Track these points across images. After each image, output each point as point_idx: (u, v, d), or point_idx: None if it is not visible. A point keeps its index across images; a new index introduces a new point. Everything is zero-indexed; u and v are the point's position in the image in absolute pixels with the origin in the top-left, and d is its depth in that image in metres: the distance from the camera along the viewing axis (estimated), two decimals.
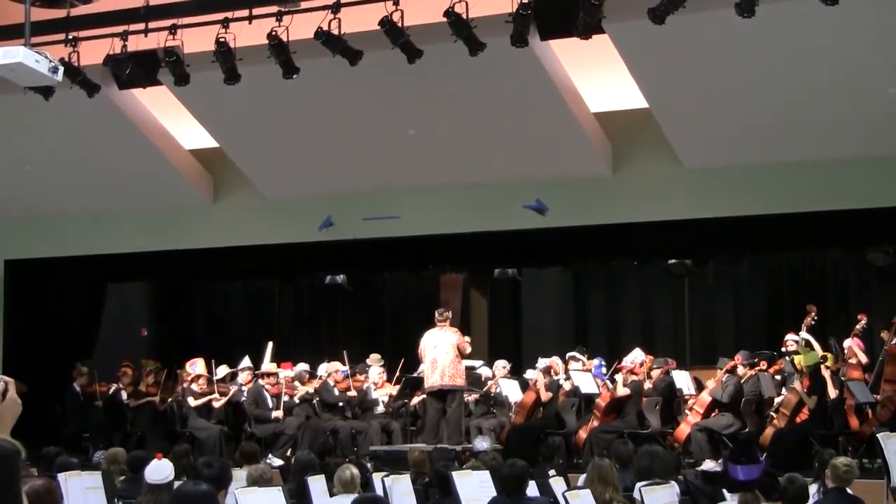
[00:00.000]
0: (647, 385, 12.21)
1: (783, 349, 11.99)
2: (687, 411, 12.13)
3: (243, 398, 13.09)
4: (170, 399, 13.60)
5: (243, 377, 13.34)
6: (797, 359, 11.35)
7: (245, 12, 10.03)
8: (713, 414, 11.75)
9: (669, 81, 10.85)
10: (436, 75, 10.65)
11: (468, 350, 12.08)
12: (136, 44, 10.38)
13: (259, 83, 10.69)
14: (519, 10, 9.19)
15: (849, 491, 6.52)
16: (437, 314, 12.11)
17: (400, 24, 9.43)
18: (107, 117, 12.06)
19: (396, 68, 10.05)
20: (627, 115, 12.01)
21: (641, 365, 12.38)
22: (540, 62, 10.62)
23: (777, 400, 11.62)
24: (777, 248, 13.39)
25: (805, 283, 14.79)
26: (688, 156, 11.83)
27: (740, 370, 11.77)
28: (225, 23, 9.91)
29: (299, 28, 9.72)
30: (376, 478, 7.53)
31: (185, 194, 13.62)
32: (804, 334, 11.52)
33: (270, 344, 13.96)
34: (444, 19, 9.27)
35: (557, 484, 7.27)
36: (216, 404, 13.02)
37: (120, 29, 10.33)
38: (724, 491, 6.01)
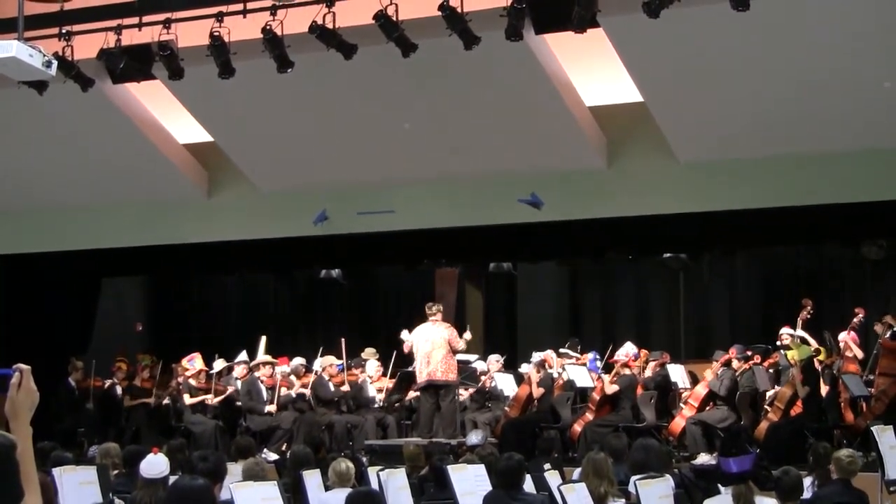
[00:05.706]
0: (646, 375, 12.24)
1: (777, 343, 12.02)
2: (682, 405, 12.15)
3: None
4: (165, 396, 13.58)
5: (239, 371, 13.33)
6: (790, 353, 11.37)
7: (239, 6, 10.02)
8: (708, 407, 11.78)
9: (664, 75, 10.84)
10: (430, 69, 10.63)
11: (460, 347, 11.90)
12: (130, 38, 10.36)
13: (253, 77, 10.67)
14: (514, 3, 9.17)
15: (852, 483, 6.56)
16: (427, 308, 12.06)
17: (394, 18, 9.42)
18: (101, 112, 12.02)
19: (391, 62, 10.03)
20: (622, 109, 12.00)
21: (636, 358, 12.40)
22: (535, 56, 10.60)
23: (770, 393, 11.64)
24: (772, 242, 13.42)
25: (800, 277, 14.82)
26: (683, 149, 11.83)
27: (735, 363, 11.80)
28: (219, 17, 9.89)
29: (293, 22, 9.69)
30: (371, 472, 7.54)
31: (180, 189, 13.59)
32: (799, 331, 11.53)
33: (263, 338, 13.94)
34: (439, 13, 9.25)
35: (552, 478, 7.27)
36: (210, 402, 13.01)
37: (114, 23, 10.31)
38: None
